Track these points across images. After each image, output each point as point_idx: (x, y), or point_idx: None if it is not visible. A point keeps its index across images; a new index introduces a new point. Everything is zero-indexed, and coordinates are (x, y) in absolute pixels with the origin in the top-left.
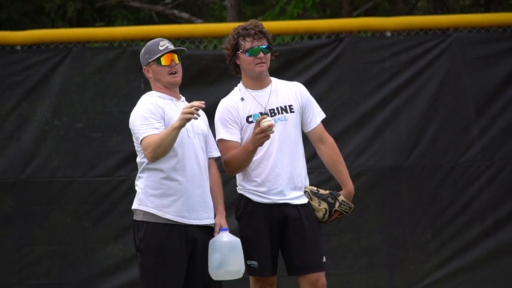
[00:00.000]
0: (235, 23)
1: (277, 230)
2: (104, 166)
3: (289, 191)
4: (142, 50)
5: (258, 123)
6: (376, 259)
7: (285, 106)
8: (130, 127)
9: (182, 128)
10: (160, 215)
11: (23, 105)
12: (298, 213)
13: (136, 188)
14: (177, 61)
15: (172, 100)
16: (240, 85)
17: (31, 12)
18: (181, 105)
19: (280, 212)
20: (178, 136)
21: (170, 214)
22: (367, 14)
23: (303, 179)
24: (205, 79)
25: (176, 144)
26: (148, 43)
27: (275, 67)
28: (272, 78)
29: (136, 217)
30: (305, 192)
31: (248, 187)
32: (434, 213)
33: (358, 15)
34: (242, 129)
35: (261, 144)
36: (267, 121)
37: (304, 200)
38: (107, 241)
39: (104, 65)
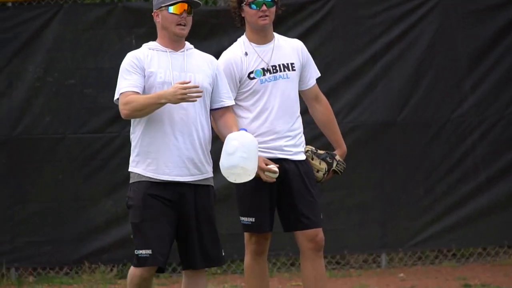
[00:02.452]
0: None
1: (275, 185)
2: (96, 122)
3: (289, 147)
4: None
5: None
6: (369, 215)
7: (288, 64)
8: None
9: (165, 83)
10: (143, 174)
11: (15, 62)
12: (297, 168)
13: None
14: (189, 12)
15: (166, 51)
16: (244, 37)
17: None
18: (178, 56)
19: (279, 167)
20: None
21: (152, 172)
22: None
23: (302, 137)
24: (197, 34)
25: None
26: None
27: None
28: (275, 34)
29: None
30: (306, 151)
31: None
32: (426, 169)
33: None
34: (242, 84)
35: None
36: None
37: (303, 157)
38: (99, 198)
39: (95, 21)
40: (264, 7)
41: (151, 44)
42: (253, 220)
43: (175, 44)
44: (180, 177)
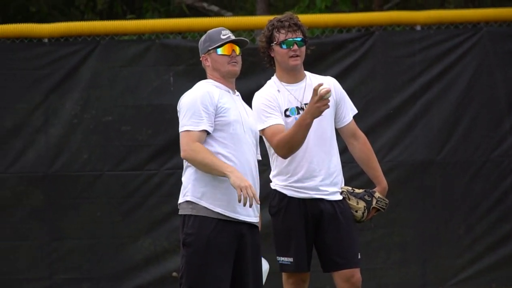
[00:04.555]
0: (265, 17)
1: (311, 225)
2: (134, 160)
3: (325, 186)
4: (203, 38)
5: (316, 91)
6: (409, 254)
7: None
8: (180, 110)
9: (237, 122)
10: (211, 209)
11: (51, 98)
12: (333, 208)
13: (183, 179)
14: (238, 52)
15: (229, 92)
16: (274, 78)
17: (61, 4)
18: (236, 98)
19: (315, 207)
20: (235, 130)
21: (221, 208)
22: (398, 7)
23: (339, 175)
24: None
25: (231, 138)
26: (209, 31)
27: (305, 61)
28: (306, 72)
29: (183, 211)
30: (341, 192)
31: (283, 183)
32: (467, 208)
33: (389, 9)
34: None
35: (320, 113)
36: (325, 88)
37: (339, 197)
38: (137, 236)
39: (133, 58)
40: (295, 47)
41: (212, 81)
42: (292, 260)
43: (229, 84)
44: (249, 217)
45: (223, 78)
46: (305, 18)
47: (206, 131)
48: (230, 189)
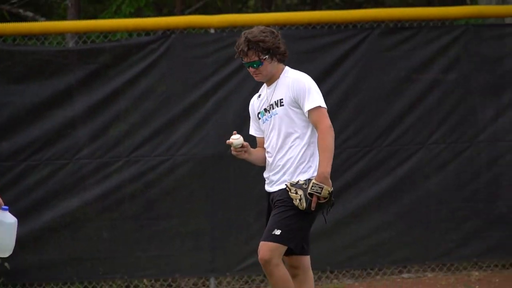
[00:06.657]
0: (75, 21)
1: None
2: None
3: (275, 181)
4: None
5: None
6: (202, 242)
7: (277, 101)
8: None
9: None
10: None
11: None
12: (273, 197)
13: None
14: None
15: None
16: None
17: None
18: None
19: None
20: None
21: None
22: (197, 12)
23: (293, 171)
24: (44, 73)
25: None
26: None
27: (108, 62)
28: (286, 70)
29: None
30: (286, 186)
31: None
32: (258, 197)
33: (190, 13)
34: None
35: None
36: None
37: (282, 187)
38: None
39: None
40: (251, 69)
41: None
42: None
43: None
44: None
45: None
46: (106, 23)
47: None
48: None
